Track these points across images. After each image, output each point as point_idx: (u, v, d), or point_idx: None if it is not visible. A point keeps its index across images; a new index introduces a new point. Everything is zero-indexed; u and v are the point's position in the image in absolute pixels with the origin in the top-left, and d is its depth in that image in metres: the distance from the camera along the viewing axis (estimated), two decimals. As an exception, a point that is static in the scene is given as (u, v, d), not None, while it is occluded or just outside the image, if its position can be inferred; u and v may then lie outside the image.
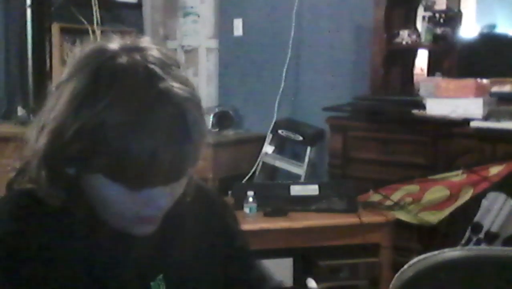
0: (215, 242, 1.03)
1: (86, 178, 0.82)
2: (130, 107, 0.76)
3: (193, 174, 0.94)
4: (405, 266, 1.15)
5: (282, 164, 3.84)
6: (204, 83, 4.36)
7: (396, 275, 1.15)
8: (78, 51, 0.85)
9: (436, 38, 3.32)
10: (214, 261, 1.02)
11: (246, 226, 2.61)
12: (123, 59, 0.80)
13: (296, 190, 2.88)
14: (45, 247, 0.85)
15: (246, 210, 2.71)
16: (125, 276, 0.90)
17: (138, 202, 0.82)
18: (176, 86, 0.79)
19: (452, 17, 3.39)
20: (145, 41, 0.85)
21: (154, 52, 0.82)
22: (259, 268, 1.11)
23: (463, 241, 2.65)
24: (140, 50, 0.82)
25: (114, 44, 0.83)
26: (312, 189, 2.88)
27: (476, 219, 2.64)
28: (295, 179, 3.58)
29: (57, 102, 0.81)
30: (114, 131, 0.76)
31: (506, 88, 3.00)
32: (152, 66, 0.80)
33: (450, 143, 2.86)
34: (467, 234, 2.65)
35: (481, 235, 2.63)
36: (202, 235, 1.01)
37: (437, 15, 3.34)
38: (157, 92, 0.78)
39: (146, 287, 0.91)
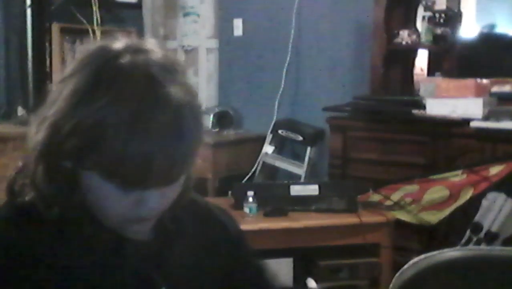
0: (216, 253, 1.03)
1: (82, 174, 0.83)
2: (128, 108, 0.77)
3: (189, 186, 0.96)
4: (405, 266, 1.15)
5: (282, 164, 3.84)
6: (204, 83, 4.36)
7: (396, 275, 1.15)
8: (83, 48, 0.85)
9: (436, 38, 3.32)
10: (215, 272, 1.01)
11: (246, 226, 2.61)
12: (125, 60, 0.80)
13: (296, 190, 2.88)
14: (40, 257, 0.85)
15: (246, 210, 2.71)
16: (124, 285, 0.89)
17: (130, 202, 0.83)
18: (175, 92, 0.80)
19: (452, 17, 3.39)
20: (150, 43, 0.85)
21: (158, 55, 0.83)
22: (267, 273, 1.11)
23: (463, 241, 2.65)
24: (144, 52, 0.82)
25: (119, 44, 0.83)
26: (312, 189, 2.88)
27: (476, 219, 2.64)
28: (295, 179, 3.58)
29: (58, 98, 0.82)
30: (110, 131, 0.77)
31: (506, 88, 3.00)
32: (153, 70, 0.80)
33: (450, 144, 2.86)
34: (467, 234, 2.65)
35: (481, 235, 2.63)
36: (202, 247, 1.01)
37: (437, 15, 3.34)
38: (155, 97, 0.78)
39: None
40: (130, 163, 0.77)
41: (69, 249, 0.86)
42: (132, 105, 0.77)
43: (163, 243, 0.94)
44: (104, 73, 0.80)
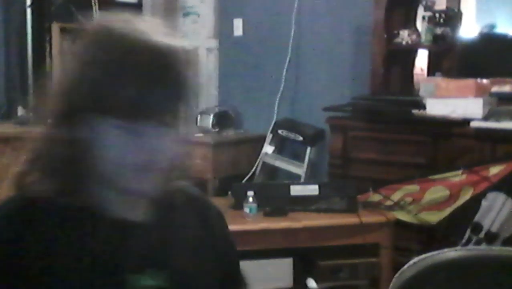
0: (209, 246, 1.05)
1: (92, 128, 0.88)
2: (118, 55, 0.88)
3: (183, 182, 1.01)
4: (405, 266, 1.15)
5: (282, 164, 3.84)
6: (204, 83, 4.36)
7: (396, 275, 1.16)
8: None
9: (436, 38, 3.31)
10: (209, 265, 1.04)
11: (246, 226, 2.61)
12: (117, 26, 0.96)
13: (296, 190, 2.88)
14: (44, 249, 0.88)
15: (246, 210, 2.70)
16: (106, 265, 0.91)
17: (134, 146, 0.87)
18: (162, 41, 0.89)
19: (452, 17, 3.38)
20: None
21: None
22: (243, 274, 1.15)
23: (463, 241, 2.65)
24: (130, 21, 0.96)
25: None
26: (312, 189, 2.88)
27: (476, 219, 2.64)
28: (295, 179, 3.58)
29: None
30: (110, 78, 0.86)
31: (506, 88, 3.00)
32: (141, 24, 0.92)
33: (450, 144, 2.86)
34: (467, 234, 2.65)
35: (481, 235, 2.63)
36: (198, 238, 1.04)
37: (437, 15, 3.33)
38: (141, 43, 0.88)
39: (122, 279, 0.91)
40: (127, 99, 0.85)
41: (75, 236, 0.89)
42: (120, 52, 0.88)
43: (163, 230, 0.97)
44: (100, 38, 0.93)
